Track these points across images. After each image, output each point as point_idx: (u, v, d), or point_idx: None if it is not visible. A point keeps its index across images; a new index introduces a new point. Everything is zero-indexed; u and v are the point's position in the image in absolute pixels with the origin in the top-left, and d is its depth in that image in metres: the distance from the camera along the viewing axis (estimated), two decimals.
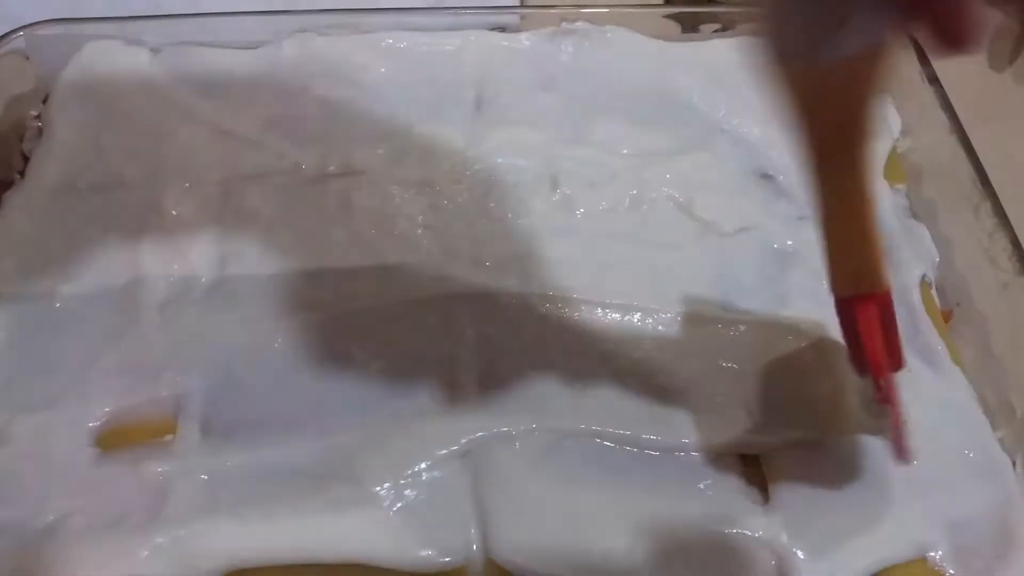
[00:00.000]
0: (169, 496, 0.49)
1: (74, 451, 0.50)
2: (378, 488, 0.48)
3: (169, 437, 0.51)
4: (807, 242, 0.60)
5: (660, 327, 0.56)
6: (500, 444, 0.51)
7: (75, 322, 0.55)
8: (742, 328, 0.56)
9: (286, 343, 0.54)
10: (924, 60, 0.69)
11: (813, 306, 0.57)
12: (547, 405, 0.52)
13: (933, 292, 0.61)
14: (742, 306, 0.57)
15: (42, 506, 0.48)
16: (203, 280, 0.57)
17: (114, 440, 0.51)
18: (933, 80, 0.68)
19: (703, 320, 0.56)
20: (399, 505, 0.48)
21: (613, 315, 0.56)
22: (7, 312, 0.55)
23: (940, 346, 0.57)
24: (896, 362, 0.49)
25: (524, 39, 0.71)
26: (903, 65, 0.70)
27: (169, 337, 0.54)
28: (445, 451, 0.50)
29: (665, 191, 0.62)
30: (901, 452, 0.49)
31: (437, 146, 0.63)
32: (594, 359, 0.55)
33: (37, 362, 0.53)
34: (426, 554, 0.47)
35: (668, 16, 0.75)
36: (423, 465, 0.49)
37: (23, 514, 0.48)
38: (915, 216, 0.65)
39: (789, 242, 0.60)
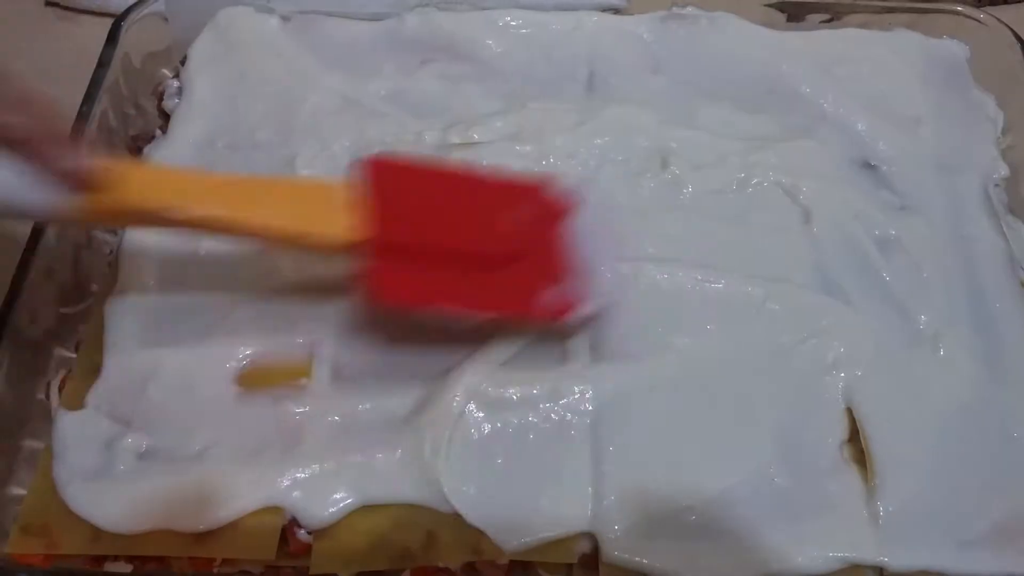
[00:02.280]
0: (305, 434, 0.53)
1: (218, 388, 0.55)
2: None
3: (304, 380, 0.55)
4: (909, 231, 0.62)
5: (762, 306, 0.59)
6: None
7: (218, 269, 0.59)
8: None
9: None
10: None
11: (912, 293, 0.59)
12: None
13: None
14: (842, 289, 0.59)
15: (189, 436, 0.53)
16: None
17: (254, 380, 0.55)
18: None
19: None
20: None
21: (722, 289, 0.59)
22: (156, 258, 0.60)
23: None
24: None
25: (636, 22, 0.74)
26: (1008, 63, 0.71)
27: (304, 288, 0.58)
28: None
29: (771, 176, 0.64)
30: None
31: (551, 122, 0.66)
32: (698, 333, 0.58)
33: (183, 305, 0.58)
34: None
35: (772, 5, 0.77)
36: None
37: (172, 442, 0.53)
38: (1013, 212, 0.67)
39: (892, 231, 0.62)
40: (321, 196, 0.53)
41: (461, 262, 0.53)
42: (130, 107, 0.70)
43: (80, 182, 0.46)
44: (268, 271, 0.59)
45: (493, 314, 0.54)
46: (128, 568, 0.51)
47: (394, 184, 0.53)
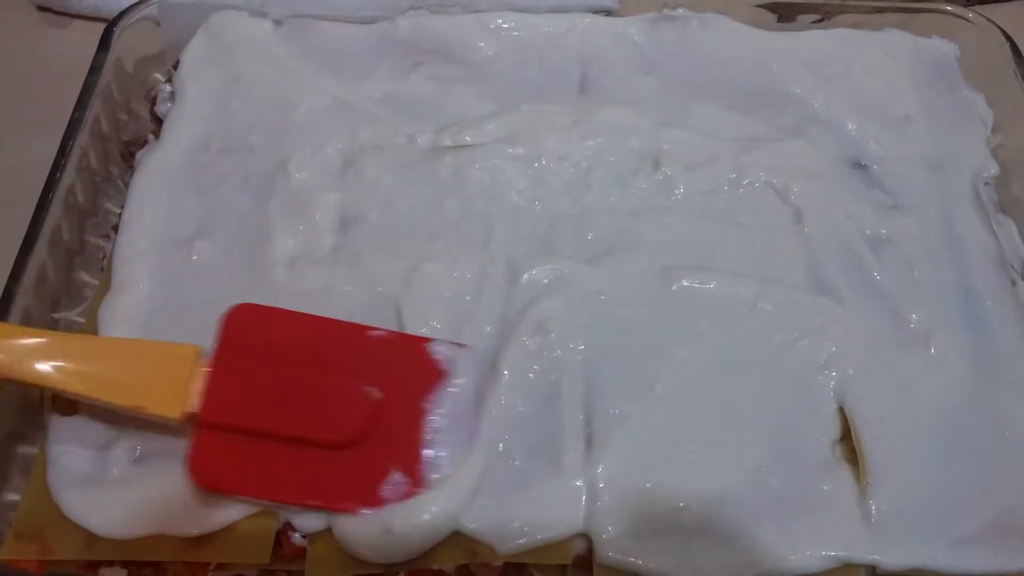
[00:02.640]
0: None
1: None
2: None
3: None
4: (899, 231, 0.63)
5: (755, 306, 0.59)
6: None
7: (211, 273, 0.59)
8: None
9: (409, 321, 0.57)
10: (1019, 57, 0.70)
11: (904, 292, 0.59)
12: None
13: (1022, 286, 0.62)
14: (834, 289, 0.60)
15: (183, 439, 0.53)
16: (327, 241, 0.61)
17: None
18: None
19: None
20: None
21: (714, 290, 0.59)
22: (149, 262, 0.60)
23: None
24: None
25: (628, 24, 0.74)
26: (997, 62, 0.71)
27: (297, 292, 0.58)
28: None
29: (762, 176, 0.65)
30: None
31: (544, 124, 0.66)
32: (691, 334, 0.58)
33: (176, 308, 0.58)
34: None
35: (763, 6, 0.77)
36: None
37: (166, 447, 0.53)
38: (1003, 211, 0.67)
39: (883, 231, 0.63)
40: (160, 364, 0.51)
41: (299, 445, 0.51)
42: (123, 112, 0.70)
43: None
44: (261, 274, 0.59)
45: (322, 508, 0.51)
46: (123, 573, 0.51)
47: (248, 343, 0.52)
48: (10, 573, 0.50)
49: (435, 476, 0.51)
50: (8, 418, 0.55)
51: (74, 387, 0.50)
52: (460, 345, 0.55)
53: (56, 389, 0.51)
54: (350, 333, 0.55)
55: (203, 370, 0.51)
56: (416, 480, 0.51)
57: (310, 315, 0.55)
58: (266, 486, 0.50)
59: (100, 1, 0.83)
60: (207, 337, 0.55)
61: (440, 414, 0.53)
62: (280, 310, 0.55)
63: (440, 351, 0.55)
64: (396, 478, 0.51)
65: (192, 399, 0.50)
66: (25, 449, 0.55)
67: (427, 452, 0.52)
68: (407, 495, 0.50)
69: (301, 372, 0.52)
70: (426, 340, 0.55)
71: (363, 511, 0.50)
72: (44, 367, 0.50)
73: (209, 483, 0.50)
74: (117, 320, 0.57)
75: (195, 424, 0.50)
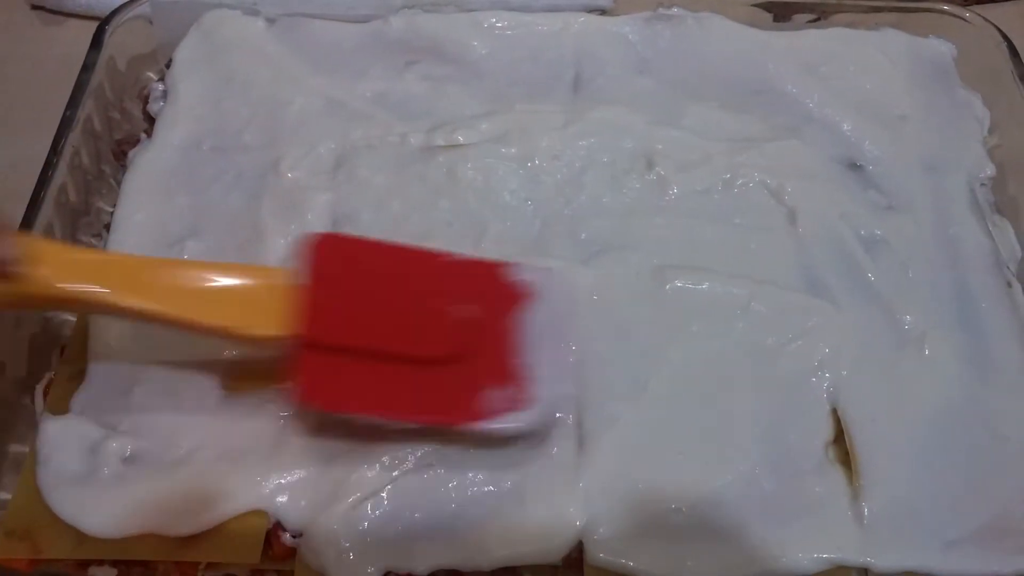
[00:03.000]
0: (289, 438, 0.53)
1: (203, 392, 0.55)
2: None
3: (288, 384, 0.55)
4: (894, 231, 0.62)
5: (748, 307, 0.58)
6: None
7: None
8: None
9: None
10: (1016, 57, 0.70)
11: (898, 293, 0.59)
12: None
13: (1017, 287, 0.62)
14: (827, 290, 0.59)
15: (174, 439, 0.53)
16: None
17: (239, 384, 0.55)
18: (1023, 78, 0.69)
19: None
20: None
21: (707, 290, 0.59)
22: None
23: None
24: None
25: (622, 23, 0.74)
26: (994, 62, 0.71)
27: None
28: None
29: (756, 176, 0.64)
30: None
31: (537, 123, 0.66)
32: (683, 335, 0.58)
33: None
34: None
35: (758, 5, 0.77)
36: None
37: (157, 446, 0.53)
38: (1000, 212, 0.67)
39: (878, 231, 0.62)
40: (256, 285, 0.51)
41: (397, 362, 0.51)
42: (115, 111, 0.70)
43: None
44: None
45: (426, 422, 0.52)
46: (113, 572, 0.51)
47: (337, 268, 0.52)
48: (0, 572, 0.50)
49: (534, 394, 0.51)
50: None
51: (169, 313, 0.49)
52: (546, 268, 0.56)
53: (148, 318, 0.50)
54: (436, 257, 0.55)
55: (300, 292, 0.50)
56: (518, 397, 0.51)
57: (394, 244, 0.55)
58: (373, 402, 0.51)
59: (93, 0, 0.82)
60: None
61: (532, 334, 0.53)
62: (361, 239, 0.55)
63: (527, 273, 0.55)
64: (495, 394, 0.51)
65: (293, 320, 0.50)
66: (16, 448, 0.55)
67: (523, 369, 0.52)
68: (507, 410, 0.51)
69: (393, 293, 0.53)
70: (510, 264, 0.55)
71: (465, 424, 0.51)
72: (136, 298, 0.49)
73: (320, 401, 0.50)
74: (108, 319, 0.57)
75: (296, 345, 0.50)
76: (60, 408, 0.54)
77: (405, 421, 0.51)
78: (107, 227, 0.63)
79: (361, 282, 0.53)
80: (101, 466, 0.52)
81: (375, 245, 0.55)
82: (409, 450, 0.52)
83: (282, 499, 0.51)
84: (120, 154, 0.68)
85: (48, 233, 0.61)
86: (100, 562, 0.51)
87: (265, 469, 0.52)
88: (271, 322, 0.50)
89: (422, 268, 0.54)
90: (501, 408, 0.51)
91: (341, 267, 0.52)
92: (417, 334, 0.52)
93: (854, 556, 0.50)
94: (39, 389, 0.58)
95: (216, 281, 0.51)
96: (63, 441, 0.53)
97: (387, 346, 0.51)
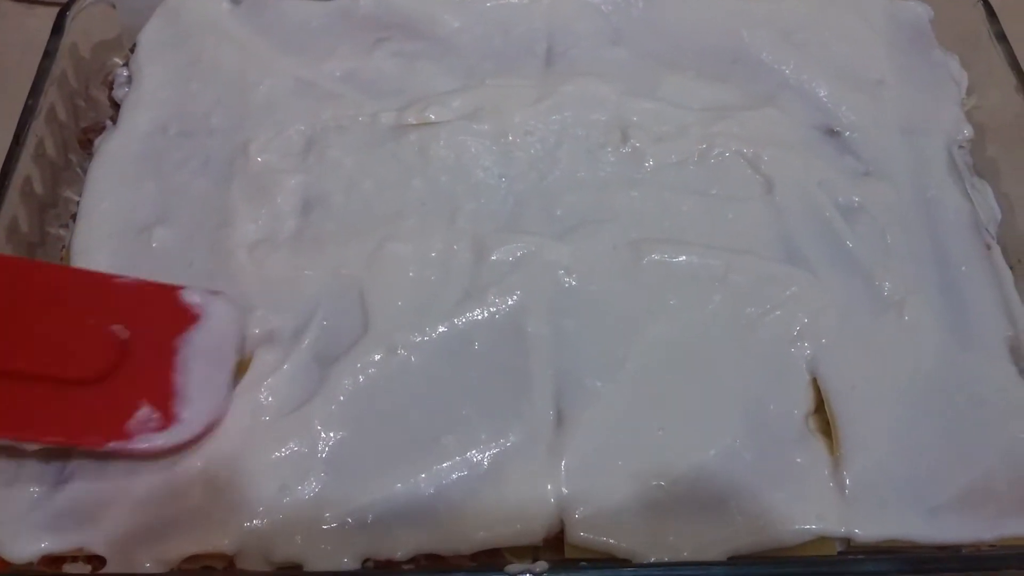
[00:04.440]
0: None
1: None
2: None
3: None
4: (872, 197, 0.62)
5: (726, 279, 0.58)
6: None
7: (171, 259, 0.58)
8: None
9: (374, 302, 0.57)
10: (993, 17, 0.69)
11: (877, 259, 0.59)
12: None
13: (996, 250, 0.62)
14: (806, 259, 0.59)
15: None
16: (290, 224, 0.60)
17: None
18: (1001, 38, 0.68)
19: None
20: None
21: (684, 263, 0.58)
22: (108, 249, 0.59)
23: None
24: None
25: None
26: (971, 22, 0.70)
27: (260, 277, 0.57)
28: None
29: (733, 146, 0.64)
30: None
31: (509, 98, 0.65)
32: (662, 309, 0.57)
33: None
34: None
35: None
36: None
37: None
38: (978, 174, 0.66)
39: (855, 198, 0.62)
40: None
41: (42, 382, 0.50)
42: (80, 98, 0.69)
43: None
44: (223, 260, 0.58)
45: (67, 443, 0.50)
46: (87, 568, 0.50)
47: None
48: None
49: (185, 414, 0.51)
50: None
51: None
52: (214, 292, 0.55)
53: None
54: (94, 280, 0.55)
55: None
56: (167, 416, 0.50)
57: (53, 264, 0.56)
58: (9, 424, 0.49)
59: None
60: None
61: (189, 355, 0.52)
62: (16, 258, 0.55)
63: (193, 297, 0.54)
64: (146, 413, 0.50)
65: None
66: None
67: (178, 389, 0.51)
68: (157, 429, 0.50)
69: (41, 313, 0.52)
70: (179, 287, 0.55)
71: (110, 445, 0.50)
72: None
73: None
74: None
75: None
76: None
77: (43, 443, 0.50)
78: (74, 217, 0.62)
79: (9, 303, 0.51)
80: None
81: (33, 266, 0.55)
82: None
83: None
84: (86, 142, 0.67)
85: (14, 226, 0.59)
86: (74, 559, 0.50)
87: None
88: None
89: (83, 289, 0.54)
90: (147, 428, 0.50)
91: None
92: (65, 354, 0.51)
93: (836, 527, 0.50)
94: None
95: None
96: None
97: (28, 368, 0.50)
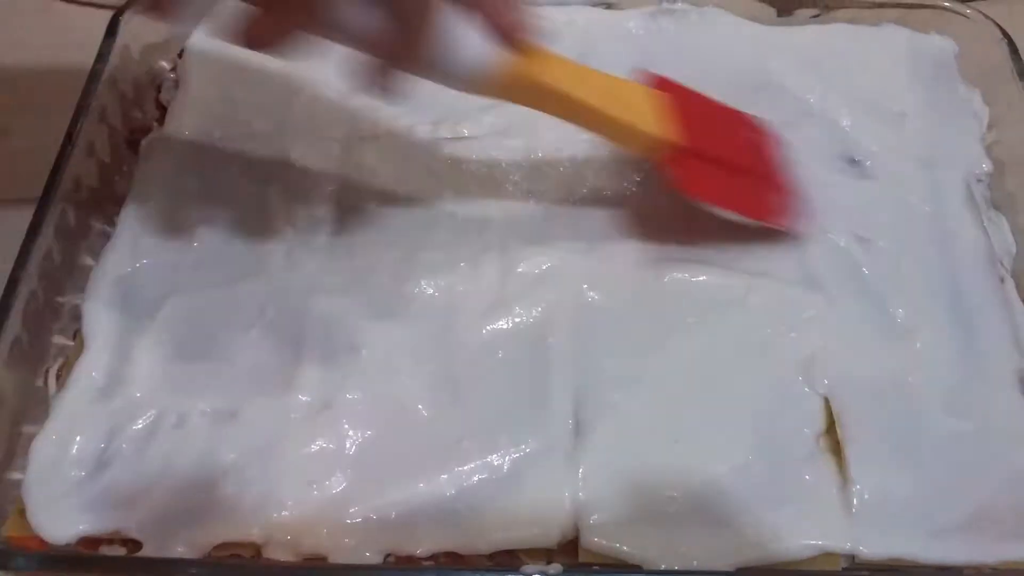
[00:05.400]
0: None
1: None
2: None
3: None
4: (889, 226, 0.64)
5: (744, 300, 0.60)
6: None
7: (210, 260, 0.61)
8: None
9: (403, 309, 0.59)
10: (1016, 55, 0.71)
11: (891, 287, 0.61)
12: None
13: (1010, 282, 0.63)
14: (822, 284, 0.61)
15: None
16: (325, 230, 0.62)
17: None
18: (1023, 76, 0.70)
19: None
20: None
21: (705, 283, 0.60)
22: (152, 248, 0.61)
23: None
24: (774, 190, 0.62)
25: (627, 17, 0.75)
26: (994, 58, 0.72)
27: (294, 281, 0.60)
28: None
29: None
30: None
31: (541, 117, 0.67)
32: (680, 326, 0.59)
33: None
34: None
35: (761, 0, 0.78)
36: None
37: None
38: (996, 208, 0.68)
39: (872, 226, 0.64)
40: (640, 96, 0.60)
41: (732, 170, 0.61)
42: (129, 100, 0.71)
43: (514, 37, 0.52)
44: (259, 261, 0.61)
45: (754, 218, 0.62)
46: (123, 551, 0.52)
47: (674, 98, 0.61)
48: (13, 550, 0.51)
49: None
50: (13, 399, 0.57)
51: (601, 107, 0.57)
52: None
53: (581, 114, 0.58)
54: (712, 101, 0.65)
55: (667, 107, 0.59)
56: (797, 209, 0.63)
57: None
58: (728, 199, 0.61)
59: None
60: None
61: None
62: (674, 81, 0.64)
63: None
64: (786, 205, 0.62)
65: (665, 126, 0.59)
66: (30, 429, 0.57)
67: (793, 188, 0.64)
68: (793, 218, 0.62)
69: (712, 115, 0.64)
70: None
71: (779, 225, 0.62)
72: (583, 94, 0.57)
73: (694, 191, 0.60)
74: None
75: (670, 148, 0.59)
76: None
77: (748, 218, 0.62)
78: (119, 214, 0.64)
79: (689, 108, 0.61)
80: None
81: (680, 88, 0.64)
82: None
83: None
84: (133, 143, 0.69)
85: (62, 220, 0.62)
86: (110, 541, 0.52)
87: None
88: (657, 126, 0.58)
89: (716, 106, 0.65)
90: (790, 217, 0.62)
91: (673, 95, 0.61)
92: (738, 151, 0.62)
93: (842, 543, 0.51)
94: (52, 371, 0.59)
95: (619, 85, 0.60)
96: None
97: (728, 155, 0.61)
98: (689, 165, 0.59)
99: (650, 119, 0.58)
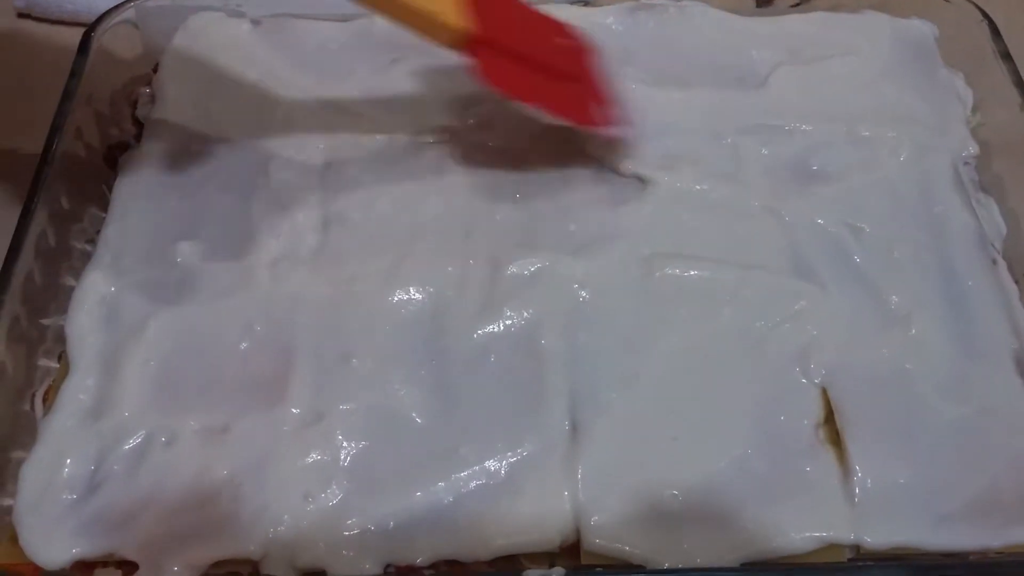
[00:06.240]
0: None
1: None
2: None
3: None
4: (878, 212, 0.63)
5: (737, 293, 0.59)
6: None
7: (194, 275, 0.60)
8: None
9: (392, 317, 0.58)
10: (997, 36, 0.71)
11: (884, 273, 0.60)
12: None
13: (1002, 264, 0.63)
14: (814, 273, 0.60)
15: None
16: (310, 241, 0.61)
17: None
18: (1006, 56, 0.70)
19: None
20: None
21: (696, 277, 0.60)
22: (134, 266, 0.61)
23: None
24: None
25: (605, 13, 0.74)
26: (976, 41, 0.72)
27: (280, 293, 0.59)
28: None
29: None
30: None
31: (523, 116, 0.67)
32: (674, 322, 0.58)
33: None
34: None
35: None
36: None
37: None
38: (984, 190, 0.67)
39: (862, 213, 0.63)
40: None
41: (543, 71, 0.62)
42: (105, 117, 0.70)
43: None
44: (245, 275, 0.60)
45: (567, 119, 0.62)
46: (118, 573, 0.52)
47: None
48: None
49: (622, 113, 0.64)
50: (3, 424, 0.56)
51: None
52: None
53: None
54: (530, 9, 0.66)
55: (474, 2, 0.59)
56: (615, 114, 0.64)
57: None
58: (534, 95, 0.61)
59: (80, 6, 0.83)
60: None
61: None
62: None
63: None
64: (601, 110, 0.64)
65: (468, 19, 0.58)
66: (18, 454, 0.56)
67: (612, 95, 0.65)
68: (610, 123, 0.63)
69: (526, 17, 0.65)
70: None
71: (588, 128, 0.63)
72: None
73: (498, 84, 0.59)
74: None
75: (473, 40, 0.58)
76: None
77: (554, 116, 0.62)
78: (99, 232, 0.63)
79: (500, 6, 0.62)
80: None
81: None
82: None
83: None
84: (111, 160, 0.68)
85: (41, 239, 0.61)
86: (104, 564, 0.51)
87: None
88: (459, 17, 0.58)
89: (532, 12, 0.66)
90: (607, 121, 0.63)
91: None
92: (550, 53, 0.63)
93: (846, 534, 0.51)
94: (39, 395, 0.58)
95: None
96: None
97: (537, 56, 0.62)
98: (494, 59, 0.59)
99: (450, 10, 0.58)
